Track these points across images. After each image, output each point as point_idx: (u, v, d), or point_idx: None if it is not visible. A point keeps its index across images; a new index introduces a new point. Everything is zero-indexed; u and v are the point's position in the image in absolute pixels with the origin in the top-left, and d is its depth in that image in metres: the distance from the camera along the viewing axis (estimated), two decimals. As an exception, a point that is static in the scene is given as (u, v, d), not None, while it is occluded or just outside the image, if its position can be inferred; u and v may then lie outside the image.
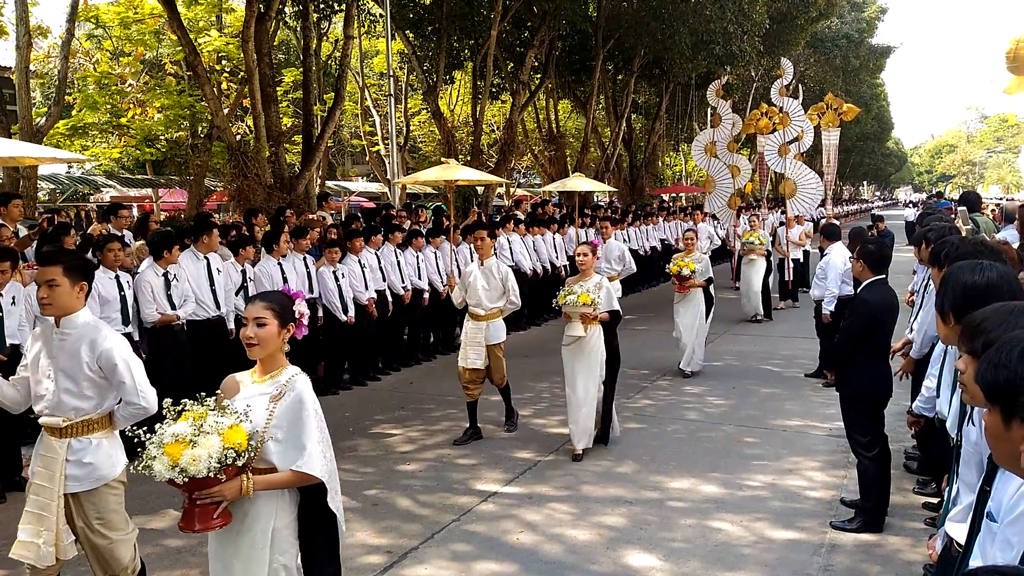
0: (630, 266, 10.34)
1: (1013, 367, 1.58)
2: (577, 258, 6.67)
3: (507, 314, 7.19)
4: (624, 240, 16.61)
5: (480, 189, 18.46)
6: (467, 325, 7.07)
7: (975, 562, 1.96)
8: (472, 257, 11.33)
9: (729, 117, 15.71)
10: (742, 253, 13.54)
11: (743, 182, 16.26)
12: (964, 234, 6.27)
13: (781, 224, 15.27)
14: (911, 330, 5.74)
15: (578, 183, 13.04)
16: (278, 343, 3.10)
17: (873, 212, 17.41)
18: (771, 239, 15.56)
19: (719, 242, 16.66)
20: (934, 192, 35.46)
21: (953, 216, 8.88)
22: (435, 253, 10.79)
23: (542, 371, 9.50)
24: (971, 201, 8.16)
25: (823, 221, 15.49)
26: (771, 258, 13.67)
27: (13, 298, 6.02)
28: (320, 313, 8.84)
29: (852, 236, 8.57)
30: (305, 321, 3.23)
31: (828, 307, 8.51)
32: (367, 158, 24.37)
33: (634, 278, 16.44)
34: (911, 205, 42.21)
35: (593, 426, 6.53)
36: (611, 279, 9.49)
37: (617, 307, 6.56)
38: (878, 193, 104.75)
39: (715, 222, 17.92)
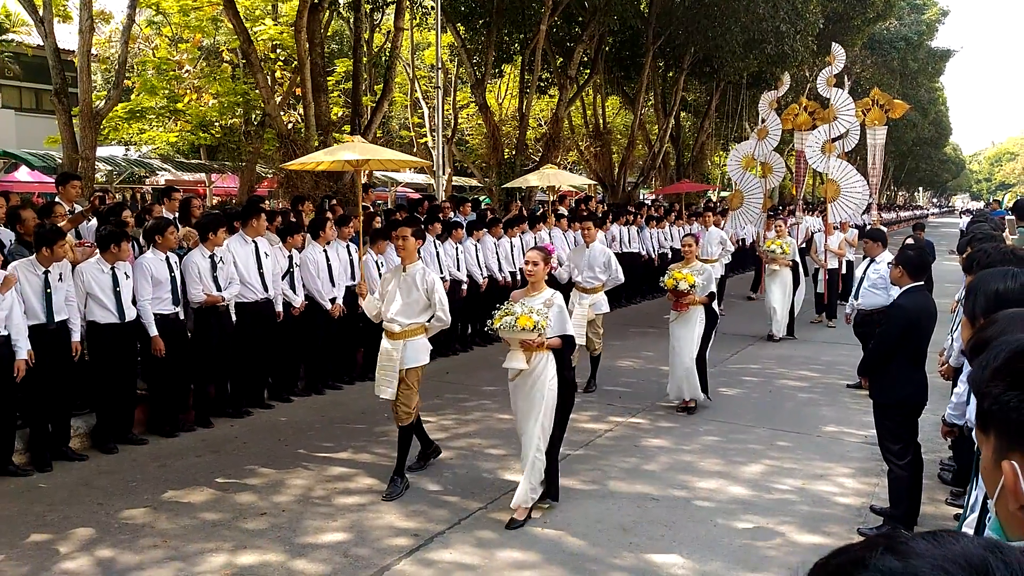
0: (616, 275, 8.65)
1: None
2: (525, 267, 5.43)
3: (433, 333, 5.91)
4: (667, 239, 16.50)
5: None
6: (382, 345, 5.79)
7: None
8: (512, 251, 11.45)
9: (776, 130, 14.63)
10: (765, 262, 12.39)
11: (775, 182, 15.15)
12: (1010, 243, 6.16)
13: (819, 230, 14.11)
14: (951, 338, 5.66)
15: (550, 176, 11.55)
16: None
17: (916, 223, 15.88)
18: (805, 246, 14.69)
19: (732, 249, 14.38)
20: (991, 200, 34.50)
21: (1005, 226, 8.67)
22: (475, 245, 10.89)
23: (576, 367, 9.52)
24: (1023, 209, 7.96)
25: (868, 227, 14.91)
26: (799, 270, 12.38)
27: (60, 275, 6.24)
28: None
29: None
30: None
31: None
32: (415, 149, 24.59)
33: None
34: (968, 213, 41.13)
35: (538, 480, 5.19)
36: (595, 290, 8.58)
37: (571, 331, 5.32)
38: (934, 200, 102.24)
39: (744, 225, 16.27)
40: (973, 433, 3.47)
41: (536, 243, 12.19)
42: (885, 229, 11.65)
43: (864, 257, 9.03)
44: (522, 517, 5.12)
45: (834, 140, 13.10)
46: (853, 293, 8.44)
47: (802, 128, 13.59)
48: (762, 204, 14.50)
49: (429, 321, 5.78)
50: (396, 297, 5.75)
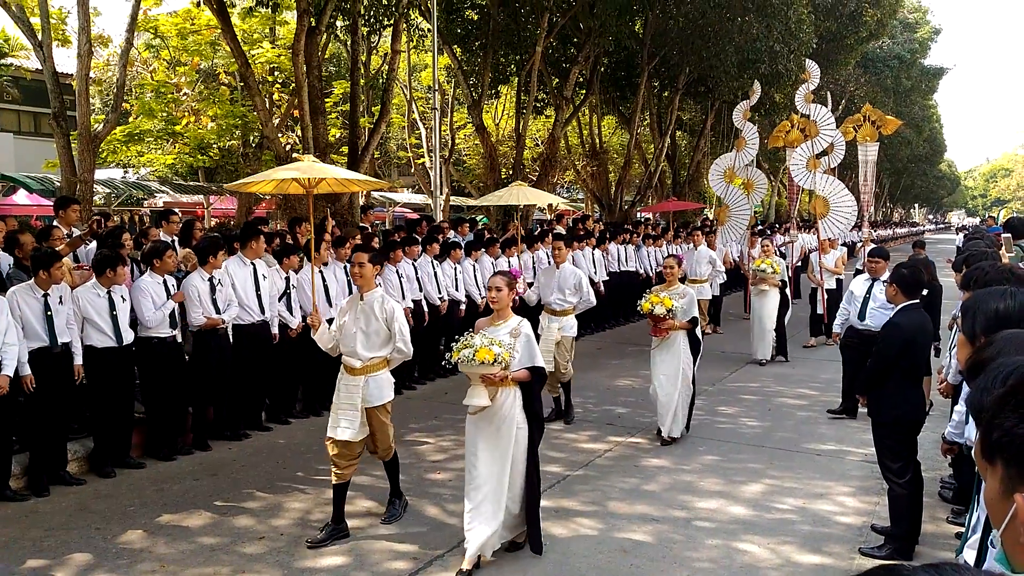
0: (588, 298, 8.21)
1: (995, 391, 1.58)
2: (488, 294, 5.03)
3: (396, 365, 5.46)
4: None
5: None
6: (340, 380, 5.34)
7: None
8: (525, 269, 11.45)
9: (754, 139, 14.32)
10: (752, 283, 11.92)
11: (758, 198, 14.86)
12: (1006, 261, 6.18)
13: (814, 249, 13.65)
14: (949, 354, 5.67)
15: (517, 194, 10.25)
16: None
17: (916, 240, 15.27)
18: (801, 264, 14.50)
19: (723, 268, 13.61)
20: (987, 216, 34.68)
21: (1001, 243, 8.69)
22: (473, 265, 10.91)
23: (575, 386, 9.48)
24: (1016, 227, 7.99)
25: (859, 245, 14.75)
26: (787, 290, 11.85)
27: (60, 297, 6.24)
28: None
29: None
30: None
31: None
32: (413, 170, 24.68)
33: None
34: (964, 230, 41.31)
35: (499, 527, 4.74)
36: (565, 313, 8.19)
37: (540, 363, 4.85)
38: (930, 216, 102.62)
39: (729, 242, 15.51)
40: (972, 453, 3.48)
41: (533, 263, 12.21)
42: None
43: (856, 274, 8.90)
44: (470, 567, 4.65)
45: (818, 156, 12.73)
46: (857, 313, 8.09)
47: (794, 145, 13.16)
48: (748, 220, 14.20)
49: (390, 354, 5.31)
50: (354, 328, 5.24)
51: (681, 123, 27.62)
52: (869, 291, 8.02)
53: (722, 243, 14.27)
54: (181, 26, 19.84)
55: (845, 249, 13.00)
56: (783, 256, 16.81)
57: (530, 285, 9.38)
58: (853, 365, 8.08)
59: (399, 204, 27.53)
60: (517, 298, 7.61)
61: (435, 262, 10.28)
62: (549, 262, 12.41)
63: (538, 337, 8.09)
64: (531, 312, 8.66)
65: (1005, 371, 1.77)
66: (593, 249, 13.67)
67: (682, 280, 11.61)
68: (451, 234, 12.16)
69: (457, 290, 10.46)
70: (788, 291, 12.06)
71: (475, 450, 4.80)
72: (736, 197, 14.03)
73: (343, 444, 5.20)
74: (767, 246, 11.87)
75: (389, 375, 5.39)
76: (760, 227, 21.10)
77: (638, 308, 7.33)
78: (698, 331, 7.50)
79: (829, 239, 12.68)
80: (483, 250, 11.27)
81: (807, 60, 14.20)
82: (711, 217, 26.44)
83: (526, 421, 4.81)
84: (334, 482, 5.25)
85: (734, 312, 16.10)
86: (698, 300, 11.09)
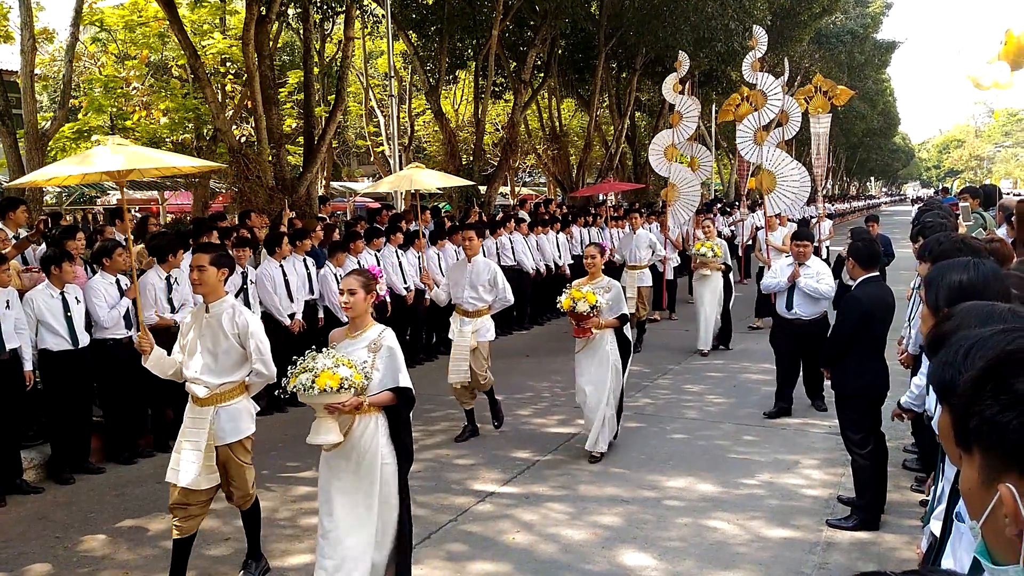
0: (504, 295, 7.14)
1: (958, 365, 1.58)
2: (340, 299, 4.13)
3: (256, 391, 4.49)
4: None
5: (483, 188, 18.46)
6: (186, 412, 4.37)
7: (946, 562, 1.95)
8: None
9: (691, 112, 13.53)
10: (693, 267, 11.07)
11: (704, 175, 14.33)
12: (963, 230, 6.27)
13: (760, 228, 12.99)
14: (909, 325, 5.74)
15: (409, 177, 8.18)
16: None
17: (869, 215, 14.35)
18: (751, 243, 14.21)
19: (664, 253, 12.49)
20: (940, 187, 35.31)
21: (957, 212, 8.82)
22: (438, 254, 10.83)
23: (542, 371, 9.53)
24: (982, 196, 8.12)
25: (814, 220, 14.64)
26: (729, 273, 11.06)
27: (7, 302, 6.05)
28: (321, 314, 8.91)
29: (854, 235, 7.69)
30: None
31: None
32: (372, 159, 24.44)
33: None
34: (919, 201, 42.03)
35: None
36: (479, 313, 7.13)
37: (407, 382, 3.95)
38: (885, 189, 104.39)
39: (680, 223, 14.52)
40: (933, 423, 3.50)
41: (497, 250, 12.11)
42: (831, 222, 11.02)
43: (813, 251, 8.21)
44: None
45: (767, 127, 11.98)
46: (785, 302, 7.51)
47: (743, 120, 12.25)
48: (699, 198, 13.62)
49: (248, 377, 4.37)
50: (198, 348, 4.28)
51: (640, 104, 27.68)
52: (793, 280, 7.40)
53: (674, 224, 13.88)
54: (128, 18, 19.31)
55: (794, 226, 12.15)
56: (733, 236, 16.71)
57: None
58: (787, 359, 7.61)
59: (359, 194, 27.27)
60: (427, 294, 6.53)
61: (399, 252, 10.19)
62: (512, 247, 12.45)
63: (449, 342, 7.35)
64: (444, 311, 7.62)
65: (967, 344, 1.76)
66: (557, 233, 13.66)
67: (621, 266, 11.30)
68: (414, 223, 12.04)
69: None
70: (732, 275, 11.51)
71: (328, 497, 3.94)
72: (683, 175, 13.57)
73: (184, 491, 4.22)
74: (708, 227, 11.04)
75: (248, 404, 4.42)
76: (720, 204, 21.21)
77: (557, 305, 6.25)
78: (627, 329, 6.59)
79: (777, 215, 12.11)
80: (446, 239, 11.18)
81: (755, 27, 13.23)
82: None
83: (393, 454, 3.95)
84: (174, 536, 4.27)
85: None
86: (639, 288, 10.97)
